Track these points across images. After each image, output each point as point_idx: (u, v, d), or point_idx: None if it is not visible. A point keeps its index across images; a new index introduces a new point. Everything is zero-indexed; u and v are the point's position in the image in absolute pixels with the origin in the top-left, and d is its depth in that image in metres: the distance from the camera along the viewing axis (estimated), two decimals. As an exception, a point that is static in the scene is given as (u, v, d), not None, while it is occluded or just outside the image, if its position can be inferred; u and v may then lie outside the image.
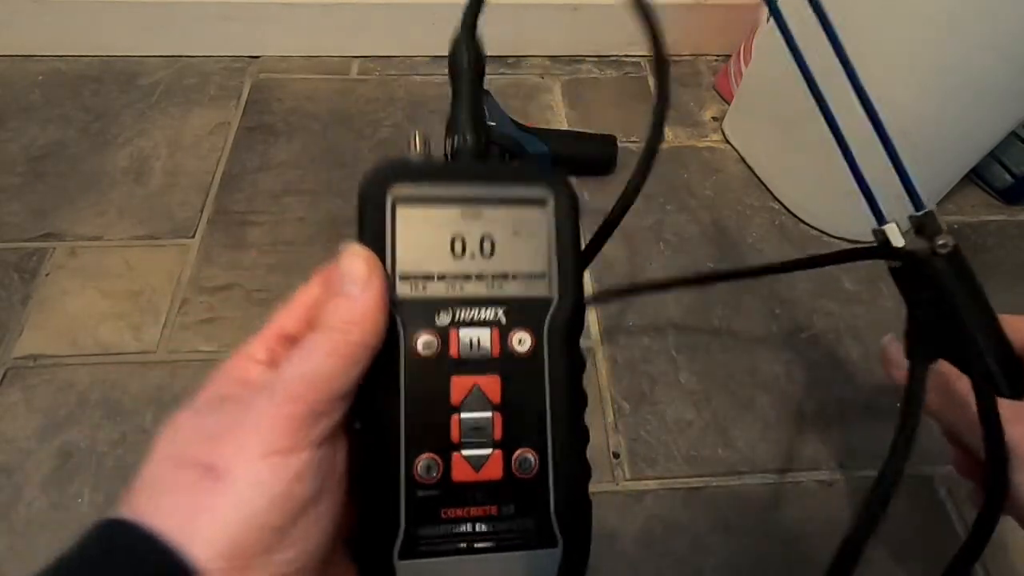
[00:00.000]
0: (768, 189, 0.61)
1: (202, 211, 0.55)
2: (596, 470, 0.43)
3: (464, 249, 0.23)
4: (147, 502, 0.17)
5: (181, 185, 0.57)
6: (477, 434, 0.22)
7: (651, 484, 0.43)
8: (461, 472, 0.22)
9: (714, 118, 0.67)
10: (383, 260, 0.22)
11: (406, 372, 0.22)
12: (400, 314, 0.22)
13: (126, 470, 0.42)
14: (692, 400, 0.47)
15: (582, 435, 0.24)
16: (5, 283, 0.50)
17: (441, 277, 0.23)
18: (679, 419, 0.46)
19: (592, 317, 0.51)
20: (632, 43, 0.72)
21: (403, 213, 0.22)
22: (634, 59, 0.72)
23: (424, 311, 0.22)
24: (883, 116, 0.26)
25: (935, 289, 0.28)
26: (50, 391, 0.45)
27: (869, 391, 0.48)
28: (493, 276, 0.23)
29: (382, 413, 0.22)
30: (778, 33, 0.29)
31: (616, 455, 0.44)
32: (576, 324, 0.23)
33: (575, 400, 0.24)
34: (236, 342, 0.52)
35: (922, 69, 0.45)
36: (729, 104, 0.66)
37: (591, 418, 0.46)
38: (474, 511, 0.22)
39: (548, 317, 0.23)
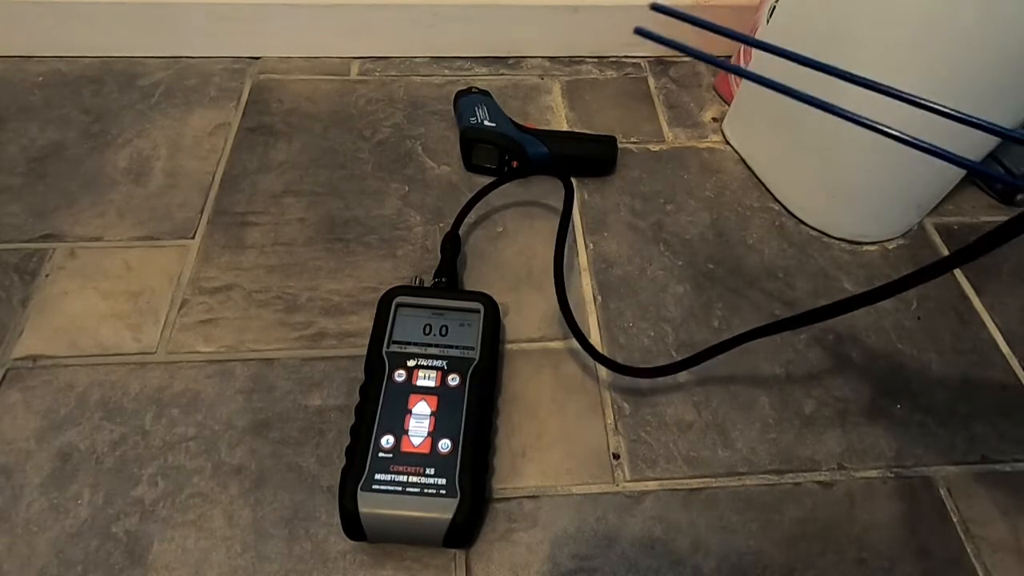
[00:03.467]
0: (768, 189, 0.61)
1: (202, 212, 0.55)
2: (596, 471, 0.43)
3: (430, 331, 0.43)
4: None
5: (181, 186, 0.57)
6: (419, 426, 0.39)
7: (651, 485, 0.43)
8: (407, 446, 0.39)
9: (714, 118, 0.67)
10: (385, 334, 0.43)
11: (386, 389, 0.41)
12: (388, 359, 0.42)
13: (126, 470, 0.42)
14: (692, 400, 0.47)
15: (484, 434, 0.41)
16: (5, 284, 0.50)
17: (415, 343, 0.43)
18: (679, 419, 0.46)
19: (592, 319, 0.51)
20: (632, 43, 0.72)
21: (400, 311, 0.44)
22: (634, 59, 0.72)
23: (402, 359, 0.42)
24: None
25: None
26: (49, 392, 0.45)
27: (869, 391, 0.48)
28: (444, 346, 0.43)
29: (368, 409, 0.40)
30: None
31: (616, 456, 0.44)
32: (488, 374, 0.43)
33: (482, 414, 0.41)
34: (236, 343, 0.52)
35: (922, 69, 0.45)
36: (729, 104, 0.66)
37: (591, 420, 0.46)
38: (410, 469, 0.38)
39: (471, 369, 0.42)
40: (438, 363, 0.42)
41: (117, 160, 0.59)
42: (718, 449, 0.45)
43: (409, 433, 0.39)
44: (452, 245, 0.51)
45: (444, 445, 0.39)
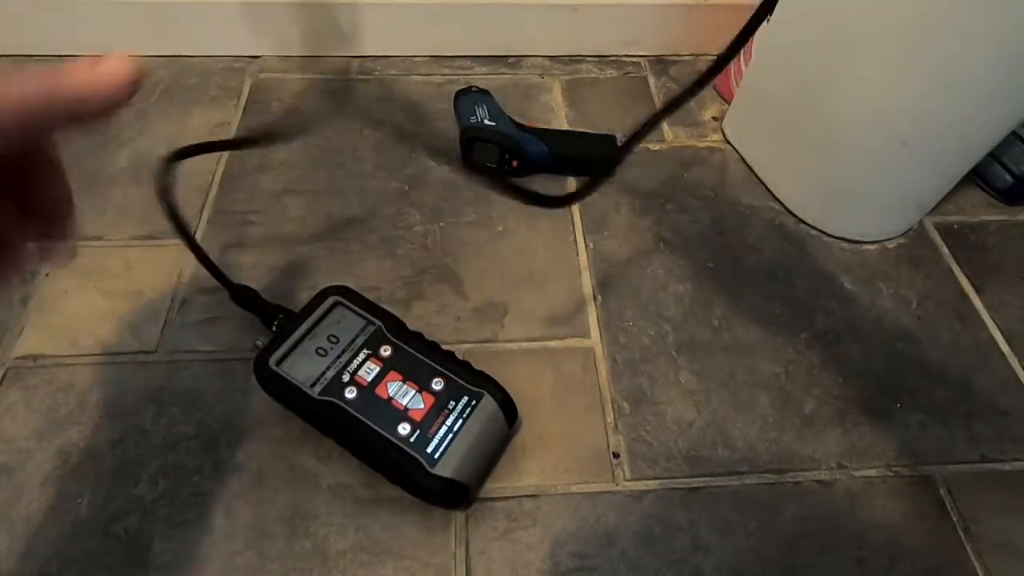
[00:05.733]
0: (768, 188, 0.61)
1: (202, 211, 0.55)
2: (596, 471, 0.43)
3: (325, 350, 0.42)
4: None
5: (181, 185, 0.57)
6: (409, 397, 0.41)
7: (651, 484, 0.43)
8: (418, 415, 0.40)
9: (714, 118, 0.67)
10: (301, 388, 0.41)
11: (356, 410, 0.40)
12: (326, 395, 0.40)
13: (126, 470, 0.42)
14: (692, 400, 0.47)
15: (445, 352, 0.43)
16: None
17: (330, 366, 0.42)
18: (679, 419, 0.46)
19: (592, 318, 0.51)
20: (632, 43, 0.72)
21: (284, 364, 0.42)
22: (634, 59, 0.72)
23: (336, 383, 0.41)
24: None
25: None
26: (50, 391, 0.45)
27: (869, 391, 0.48)
28: (347, 343, 0.43)
29: (364, 436, 0.39)
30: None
31: (616, 455, 0.44)
32: (398, 322, 0.44)
33: (429, 345, 0.44)
34: (236, 342, 0.52)
35: (922, 69, 0.45)
36: (729, 103, 0.66)
37: (591, 419, 0.46)
38: (439, 420, 0.40)
39: (384, 332, 0.44)
40: (362, 355, 0.42)
41: (117, 159, 0.59)
42: (718, 449, 0.45)
43: (408, 408, 0.40)
44: (245, 297, 0.47)
45: (436, 383, 0.41)
